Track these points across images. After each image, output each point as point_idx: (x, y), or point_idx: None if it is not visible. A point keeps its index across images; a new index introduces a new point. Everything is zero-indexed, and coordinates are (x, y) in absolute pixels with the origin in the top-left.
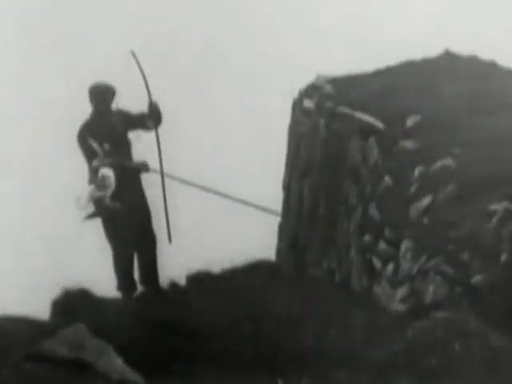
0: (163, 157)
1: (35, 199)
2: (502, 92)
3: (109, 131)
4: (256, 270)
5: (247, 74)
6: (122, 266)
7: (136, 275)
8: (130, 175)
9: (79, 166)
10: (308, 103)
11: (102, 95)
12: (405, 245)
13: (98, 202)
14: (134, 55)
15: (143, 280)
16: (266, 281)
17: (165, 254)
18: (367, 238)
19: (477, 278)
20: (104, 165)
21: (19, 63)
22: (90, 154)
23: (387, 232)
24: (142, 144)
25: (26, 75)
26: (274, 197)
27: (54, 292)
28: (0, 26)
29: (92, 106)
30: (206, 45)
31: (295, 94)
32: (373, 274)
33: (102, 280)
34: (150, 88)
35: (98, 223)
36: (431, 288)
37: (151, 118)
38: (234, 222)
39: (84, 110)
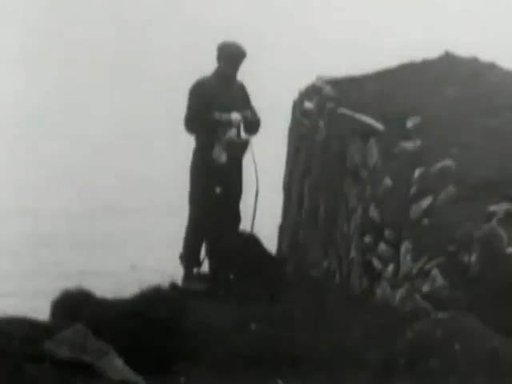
0: None
1: (33, 197)
2: (502, 93)
3: (229, 98)
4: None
5: (247, 74)
6: (197, 238)
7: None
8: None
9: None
10: (308, 104)
11: (236, 58)
12: (405, 246)
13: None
14: None
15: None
16: (266, 281)
17: (165, 253)
18: (367, 238)
19: (477, 279)
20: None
21: None
22: (198, 111)
23: (387, 233)
24: None
25: None
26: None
27: (55, 292)
28: None
29: (219, 66)
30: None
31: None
32: (373, 275)
33: (103, 280)
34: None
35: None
36: (431, 289)
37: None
38: None
39: None
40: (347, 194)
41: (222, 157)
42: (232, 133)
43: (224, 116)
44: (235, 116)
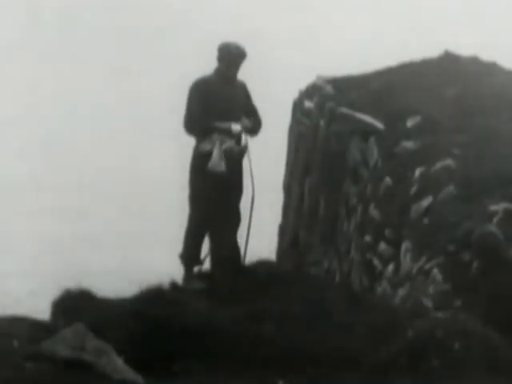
0: None
1: (35, 197)
2: (503, 93)
3: (229, 99)
4: (256, 269)
5: (248, 73)
6: (197, 237)
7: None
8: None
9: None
10: (308, 104)
11: (236, 58)
12: (405, 245)
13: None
14: None
15: (222, 258)
16: (267, 280)
17: (166, 254)
18: (367, 238)
19: (477, 279)
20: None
21: None
22: (197, 110)
23: (387, 232)
24: None
25: None
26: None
27: (55, 292)
28: None
29: (220, 66)
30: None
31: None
32: (373, 274)
33: (103, 280)
34: None
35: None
36: (431, 288)
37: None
38: None
39: None
40: (347, 193)
41: (220, 165)
42: (231, 143)
43: (224, 125)
44: (235, 127)
